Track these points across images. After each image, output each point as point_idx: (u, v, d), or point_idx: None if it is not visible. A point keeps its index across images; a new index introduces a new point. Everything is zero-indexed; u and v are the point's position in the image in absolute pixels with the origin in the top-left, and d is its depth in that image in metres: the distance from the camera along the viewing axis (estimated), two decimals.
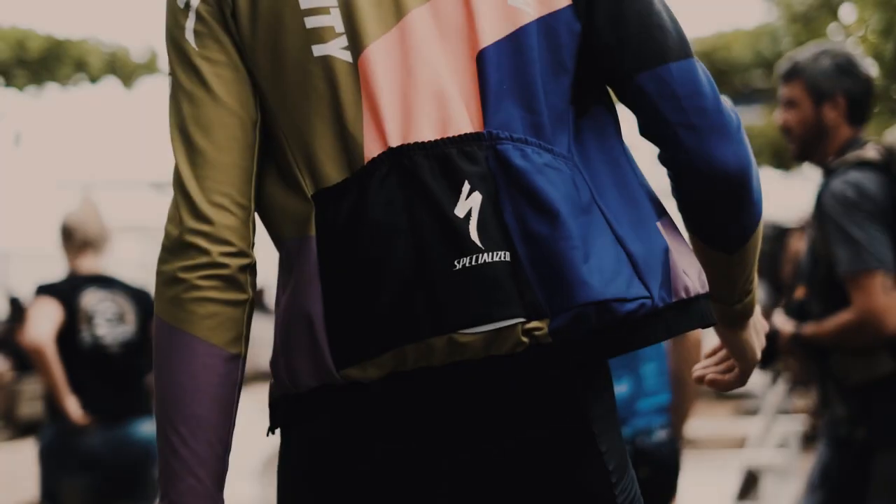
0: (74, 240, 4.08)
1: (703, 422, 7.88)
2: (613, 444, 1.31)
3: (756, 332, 1.51)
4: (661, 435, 2.71)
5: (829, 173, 2.96)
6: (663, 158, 1.33)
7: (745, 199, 1.32)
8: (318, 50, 1.27)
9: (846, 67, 3.01)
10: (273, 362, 1.31)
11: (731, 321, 1.47)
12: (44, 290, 4.03)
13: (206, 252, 1.27)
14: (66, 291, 3.99)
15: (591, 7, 1.30)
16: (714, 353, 1.58)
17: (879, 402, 2.87)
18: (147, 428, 3.93)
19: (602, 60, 1.31)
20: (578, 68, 1.31)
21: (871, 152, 2.91)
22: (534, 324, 1.21)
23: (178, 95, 1.31)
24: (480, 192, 1.22)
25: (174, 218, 1.29)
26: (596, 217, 1.26)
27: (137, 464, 3.92)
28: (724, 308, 1.44)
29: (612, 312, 1.21)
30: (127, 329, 4.01)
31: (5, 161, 12.93)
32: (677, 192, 1.35)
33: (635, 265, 1.25)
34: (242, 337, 1.30)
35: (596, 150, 1.31)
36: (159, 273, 1.29)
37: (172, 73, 1.32)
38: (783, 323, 3.03)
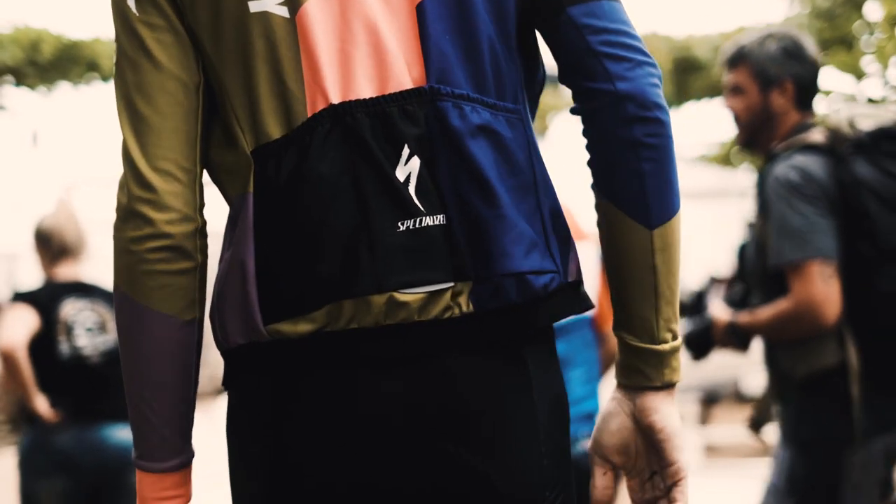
0: (51, 247, 3.97)
1: (725, 429, 7.72)
2: (551, 426, 1.29)
3: (671, 436, 1.31)
4: (585, 445, 2.59)
5: (772, 159, 2.81)
6: (583, 97, 1.29)
7: (664, 146, 1.27)
8: (254, 6, 1.27)
9: (794, 51, 2.88)
10: (210, 318, 1.33)
11: (656, 371, 1.30)
12: (21, 297, 3.92)
13: (151, 222, 1.28)
14: (44, 300, 3.90)
15: None
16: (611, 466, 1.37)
17: (822, 397, 2.70)
18: (124, 434, 3.83)
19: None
20: (520, 18, 1.31)
21: (816, 136, 2.77)
22: (459, 287, 1.24)
23: (122, 63, 1.31)
24: (419, 157, 1.24)
25: (123, 186, 1.30)
26: (526, 178, 1.28)
27: (114, 468, 3.82)
28: (648, 351, 1.30)
29: (528, 284, 1.25)
30: (108, 338, 3.91)
31: (22, 161, 12.89)
32: (596, 135, 1.29)
33: (547, 236, 1.28)
34: (195, 302, 1.32)
35: (532, 92, 1.34)
36: (114, 241, 1.31)
37: (117, 41, 1.32)
38: (719, 311, 2.88)
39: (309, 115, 1.25)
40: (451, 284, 1.24)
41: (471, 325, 1.25)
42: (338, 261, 1.22)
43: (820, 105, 4.82)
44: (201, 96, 1.31)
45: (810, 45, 2.93)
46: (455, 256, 1.24)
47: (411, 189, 1.23)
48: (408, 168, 1.24)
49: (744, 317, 2.81)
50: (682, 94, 11.25)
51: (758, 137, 2.93)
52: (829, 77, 5.74)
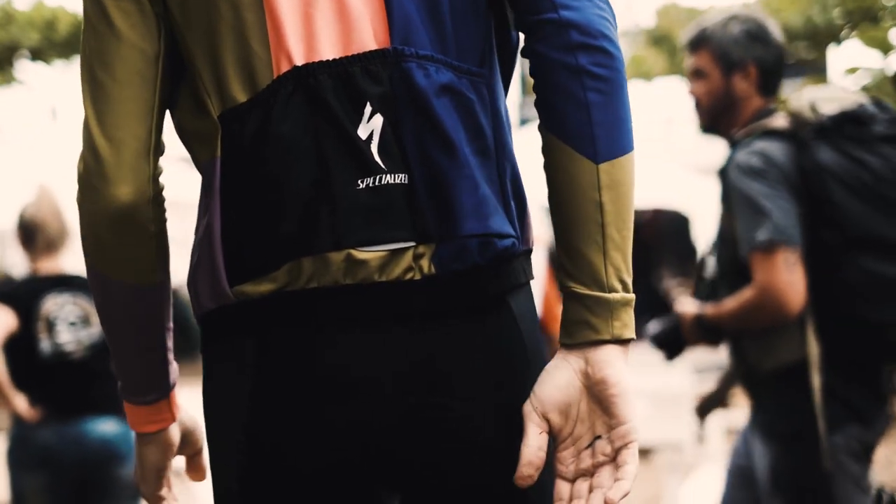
0: (37, 242, 3.88)
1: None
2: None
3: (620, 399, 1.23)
4: None
5: (734, 145, 2.73)
6: (530, 33, 1.25)
7: (611, 78, 1.23)
8: None
9: (757, 34, 2.78)
10: (188, 287, 1.34)
11: (604, 322, 1.22)
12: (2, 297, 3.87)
13: (102, 192, 1.29)
14: (24, 297, 3.83)
15: None
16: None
17: (799, 390, 2.61)
18: (106, 426, 3.79)
19: None
20: None
21: (778, 121, 2.69)
22: (421, 248, 1.23)
23: (86, 31, 1.32)
24: (382, 114, 1.23)
25: (82, 155, 1.30)
26: (487, 142, 1.27)
27: (97, 461, 3.79)
28: (593, 298, 1.23)
29: (491, 246, 1.24)
30: (93, 331, 3.83)
31: (41, 135, 12.92)
32: (539, 67, 1.24)
33: (507, 201, 1.28)
34: (154, 269, 1.35)
35: (499, 76, 1.32)
36: (77, 209, 1.33)
37: (84, 10, 1.32)
38: (686, 306, 2.80)
39: (273, 78, 1.25)
40: (413, 244, 1.23)
41: (432, 288, 1.24)
42: (297, 219, 1.22)
43: (847, 82, 4.69)
44: (161, 66, 1.30)
45: (774, 29, 2.84)
46: (417, 216, 1.23)
47: (373, 147, 1.23)
48: (370, 126, 1.23)
49: (710, 309, 2.72)
50: None
51: (719, 122, 2.84)
52: (856, 52, 5.62)
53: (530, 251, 1.34)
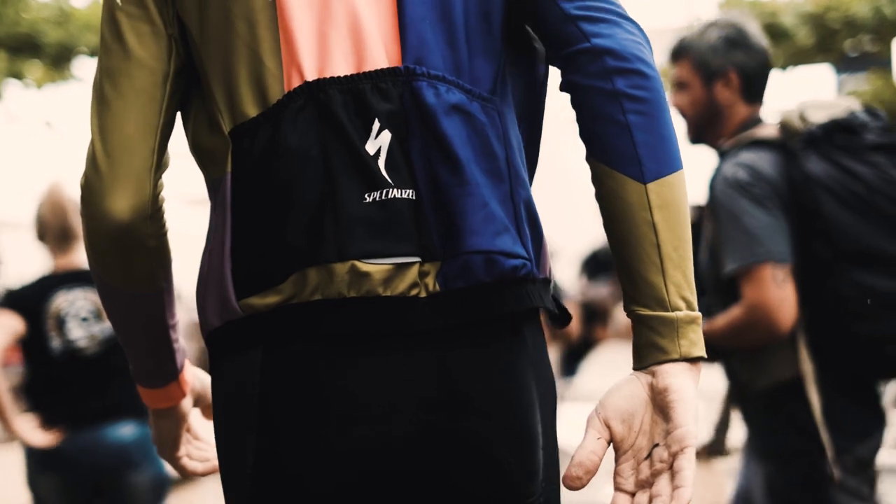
0: (48, 238, 3.83)
1: None
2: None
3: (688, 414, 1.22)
4: None
5: (722, 155, 2.63)
6: (565, 67, 1.28)
7: (651, 99, 1.24)
8: None
9: (736, 40, 2.68)
10: (196, 299, 1.35)
11: (670, 341, 1.22)
12: (6, 300, 3.84)
13: (100, 207, 1.30)
14: (33, 298, 3.79)
15: None
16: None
17: (794, 408, 2.51)
18: (124, 431, 3.75)
19: None
20: (508, 13, 1.31)
21: (766, 130, 2.59)
22: (427, 266, 1.23)
23: (101, 50, 1.34)
24: (390, 131, 1.24)
25: (84, 170, 1.33)
26: (499, 165, 1.26)
27: (112, 466, 3.74)
28: (658, 319, 1.24)
29: (497, 264, 1.23)
30: (107, 325, 3.74)
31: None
32: (579, 98, 1.27)
33: (520, 225, 1.26)
34: (156, 278, 1.38)
35: (513, 107, 1.32)
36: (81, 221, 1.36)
37: (101, 27, 1.35)
38: None
39: (284, 93, 1.26)
40: (418, 260, 1.23)
41: (437, 306, 1.23)
42: (304, 230, 1.23)
43: None
44: (168, 87, 1.33)
45: (756, 33, 2.73)
46: (422, 232, 1.23)
47: (381, 162, 1.23)
48: (378, 142, 1.24)
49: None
50: None
51: (706, 133, 2.74)
52: None
53: (548, 281, 1.32)
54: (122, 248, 1.33)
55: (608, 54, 1.25)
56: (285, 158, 1.24)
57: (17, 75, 10.47)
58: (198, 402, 1.61)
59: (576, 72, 1.26)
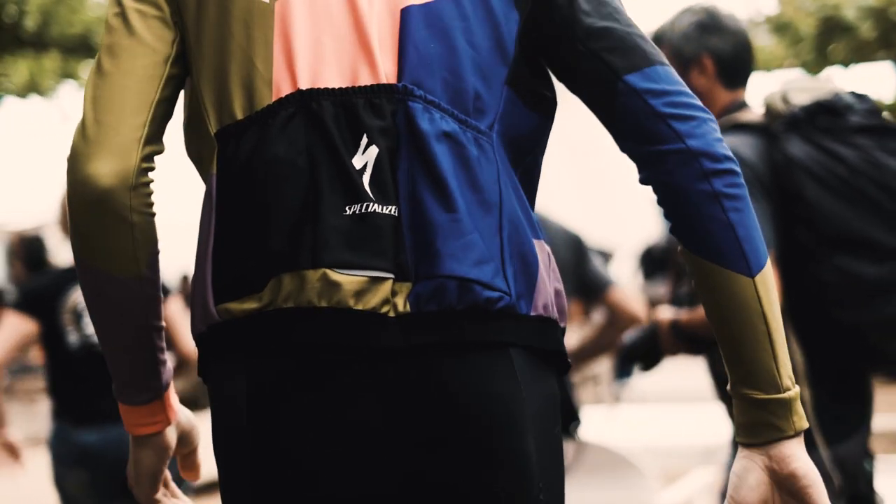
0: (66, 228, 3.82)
1: (887, 417, 7.18)
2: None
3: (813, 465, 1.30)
4: None
5: None
6: (651, 162, 1.30)
7: (744, 196, 1.29)
8: None
9: (708, 24, 2.57)
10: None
11: (786, 420, 1.28)
12: (20, 298, 3.82)
13: (84, 173, 1.29)
14: (49, 293, 3.76)
15: (555, 15, 1.32)
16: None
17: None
18: None
19: (586, 66, 1.33)
20: (523, 59, 1.32)
21: (747, 114, 2.49)
22: (399, 285, 1.24)
23: (105, 31, 1.35)
24: (378, 147, 1.25)
25: (73, 136, 1.32)
26: (489, 198, 1.28)
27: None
28: (774, 401, 1.29)
29: (472, 293, 1.24)
30: None
31: None
32: (674, 196, 1.30)
33: (504, 260, 1.27)
34: (136, 260, 1.32)
35: (511, 147, 1.32)
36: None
37: (106, 19, 1.36)
38: (662, 312, 2.62)
39: (274, 98, 1.27)
40: (391, 276, 1.24)
41: (406, 326, 1.24)
42: (283, 237, 1.24)
43: None
44: (168, 67, 1.32)
45: (730, 16, 2.62)
46: (399, 251, 1.24)
47: (366, 177, 1.24)
48: (365, 157, 1.25)
49: (684, 315, 2.57)
50: (823, 60, 10.70)
51: None
52: None
53: (544, 320, 1.31)
54: (101, 216, 1.30)
55: (704, 156, 1.27)
56: (272, 165, 1.25)
57: (72, 75, 10.55)
58: (181, 442, 1.48)
59: (668, 172, 1.29)
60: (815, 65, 10.68)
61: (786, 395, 1.28)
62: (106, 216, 1.29)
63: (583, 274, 3.41)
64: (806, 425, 1.29)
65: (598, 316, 3.79)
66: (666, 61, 1.33)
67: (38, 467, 4.09)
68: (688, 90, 1.32)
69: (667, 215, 1.32)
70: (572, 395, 3.49)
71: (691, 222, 1.29)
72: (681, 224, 1.30)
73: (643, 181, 1.32)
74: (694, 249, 1.30)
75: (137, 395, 1.42)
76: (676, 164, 1.28)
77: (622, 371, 8.14)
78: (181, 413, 1.48)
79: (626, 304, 3.43)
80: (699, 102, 1.31)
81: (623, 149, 1.33)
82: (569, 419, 3.41)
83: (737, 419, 1.32)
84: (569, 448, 3.61)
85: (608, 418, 5.88)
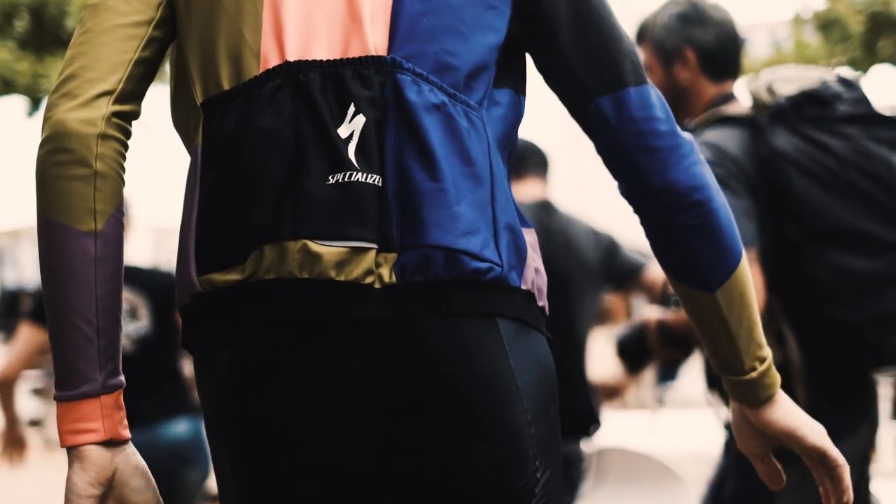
0: None
1: None
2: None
3: (797, 417, 1.46)
4: None
5: None
6: (624, 186, 1.38)
7: (709, 221, 1.36)
8: None
9: (691, 15, 2.49)
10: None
11: (754, 395, 1.45)
12: (34, 314, 3.76)
13: (53, 116, 1.29)
14: None
15: (545, 22, 1.34)
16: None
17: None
18: (178, 429, 3.73)
19: (562, 79, 1.37)
20: (511, 43, 1.34)
21: (733, 107, 2.41)
22: (384, 255, 1.23)
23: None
24: (365, 116, 1.24)
25: (51, 94, 1.33)
26: (479, 171, 1.28)
27: (169, 467, 3.67)
28: (741, 382, 1.45)
29: (460, 264, 1.24)
30: (140, 324, 3.72)
31: None
32: (644, 222, 1.40)
33: (496, 232, 1.27)
34: (92, 211, 1.29)
35: (498, 125, 1.33)
36: None
37: None
38: (650, 312, 2.57)
39: (261, 70, 1.26)
40: (374, 247, 1.23)
41: (391, 296, 1.23)
42: (266, 208, 1.23)
43: None
44: (150, 30, 1.33)
45: (715, 6, 2.54)
46: (383, 220, 1.23)
47: (351, 147, 1.24)
48: (351, 126, 1.24)
49: (671, 315, 2.50)
50: (871, 57, 10.49)
51: (677, 117, 2.50)
52: None
53: (531, 295, 1.31)
54: (63, 159, 1.28)
55: (666, 193, 1.35)
56: (257, 136, 1.24)
57: None
58: (116, 496, 1.29)
59: (638, 203, 1.38)
60: (862, 62, 10.49)
61: (750, 375, 1.43)
62: (68, 159, 1.28)
63: (617, 266, 3.34)
64: (776, 390, 1.45)
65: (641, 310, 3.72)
66: (646, 80, 1.36)
67: (60, 471, 4.06)
68: (659, 113, 1.35)
69: (646, 235, 1.42)
70: (592, 398, 3.42)
71: (657, 244, 1.40)
72: (651, 241, 1.41)
73: (621, 194, 1.40)
74: (662, 266, 1.43)
75: (74, 387, 1.27)
76: (644, 198, 1.37)
77: (666, 374, 7.97)
78: (131, 456, 1.31)
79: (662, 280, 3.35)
80: (669, 127, 1.35)
81: (602, 159, 1.39)
82: (588, 421, 3.36)
83: (727, 390, 1.48)
84: (590, 452, 3.53)
85: (650, 423, 5.75)
